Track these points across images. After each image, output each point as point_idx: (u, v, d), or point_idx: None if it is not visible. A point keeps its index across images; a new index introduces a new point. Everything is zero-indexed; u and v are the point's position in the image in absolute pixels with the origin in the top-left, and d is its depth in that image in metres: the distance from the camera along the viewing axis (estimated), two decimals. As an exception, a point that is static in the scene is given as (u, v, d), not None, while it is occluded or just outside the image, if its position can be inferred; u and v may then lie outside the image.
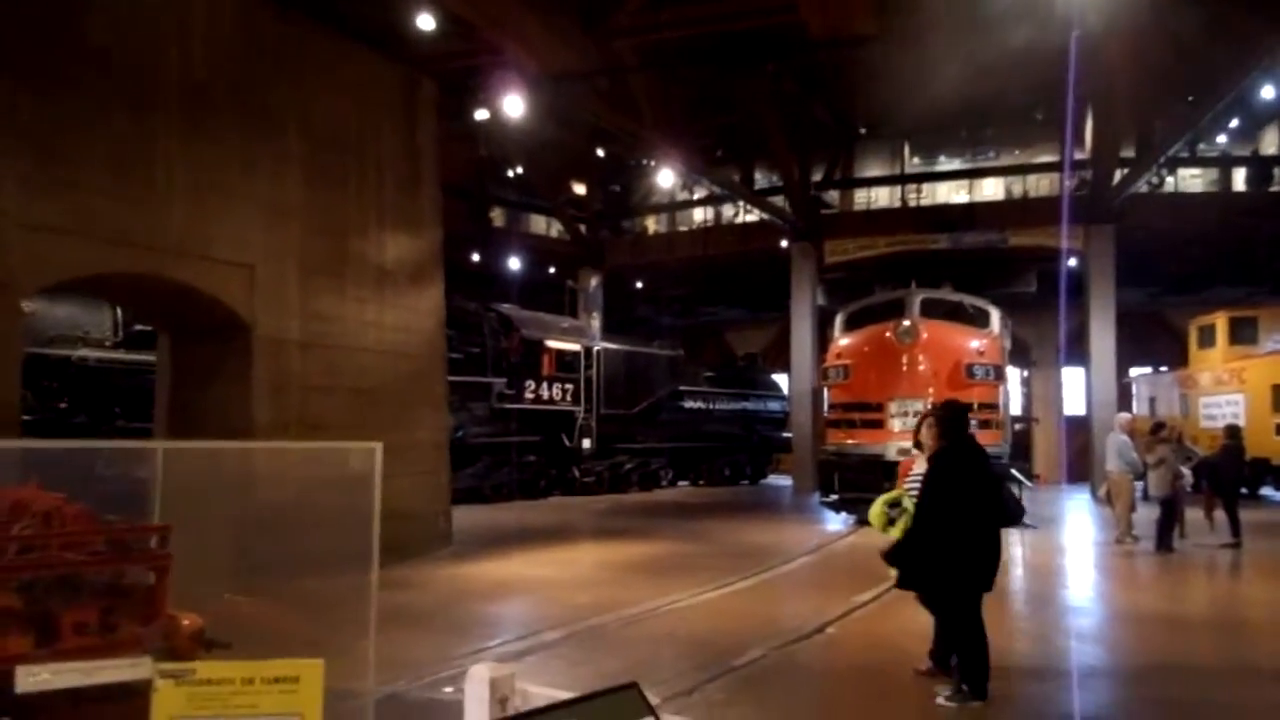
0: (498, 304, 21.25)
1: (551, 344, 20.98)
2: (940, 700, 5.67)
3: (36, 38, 7.99)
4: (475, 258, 26.91)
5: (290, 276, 10.17)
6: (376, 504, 3.64)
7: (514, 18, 9.84)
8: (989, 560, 5.76)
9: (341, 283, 10.89)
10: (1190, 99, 20.05)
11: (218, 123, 9.41)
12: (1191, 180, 27.43)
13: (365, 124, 11.29)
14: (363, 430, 10.93)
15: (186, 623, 4.11)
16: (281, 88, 10.14)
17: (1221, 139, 26.43)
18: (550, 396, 20.88)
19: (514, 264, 27.71)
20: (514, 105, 12.72)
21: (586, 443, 21.66)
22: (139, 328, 13.62)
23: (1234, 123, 24.43)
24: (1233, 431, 14.06)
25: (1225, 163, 27.11)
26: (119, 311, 13.74)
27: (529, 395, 20.34)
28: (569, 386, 21.31)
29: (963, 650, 5.78)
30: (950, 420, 6.03)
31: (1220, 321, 21.90)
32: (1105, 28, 18.04)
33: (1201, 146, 25.66)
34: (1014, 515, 4.96)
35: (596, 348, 22.37)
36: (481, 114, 13.19)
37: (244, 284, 9.66)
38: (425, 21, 9.70)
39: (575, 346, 21.62)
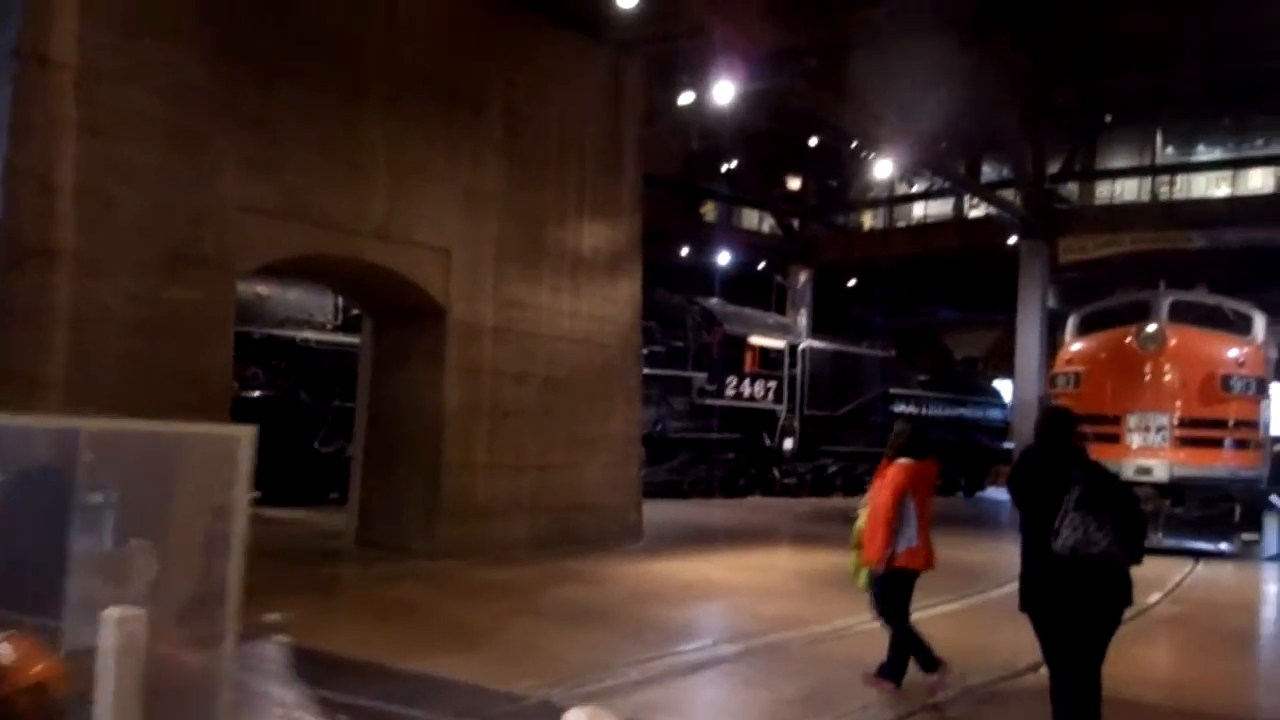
0: (703, 298, 20.89)
1: (755, 340, 20.41)
2: None
3: (255, 24, 8.26)
4: (684, 252, 26.72)
5: (486, 262, 10.14)
6: (243, 503, 3.14)
7: (720, -7, 9.35)
8: (1066, 597, 4.42)
9: (537, 270, 10.78)
10: None
11: (421, 108, 9.48)
12: None
13: (568, 109, 11.14)
14: (552, 418, 10.83)
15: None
16: (485, 72, 10.12)
17: None
18: (752, 394, 20.32)
19: (723, 259, 27.29)
20: (724, 90, 12.24)
21: (788, 443, 20.95)
22: (356, 312, 14.25)
23: None
24: None
25: None
26: (340, 296, 14.39)
27: (730, 392, 19.86)
28: (772, 384, 20.66)
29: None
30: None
31: None
32: None
33: None
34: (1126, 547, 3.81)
35: (802, 345, 21.60)
36: (688, 98, 12.77)
37: (440, 268, 9.69)
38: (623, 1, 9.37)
39: (780, 344, 20.95)
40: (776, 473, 21.00)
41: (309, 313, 14.46)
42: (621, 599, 8.60)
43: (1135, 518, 4.47)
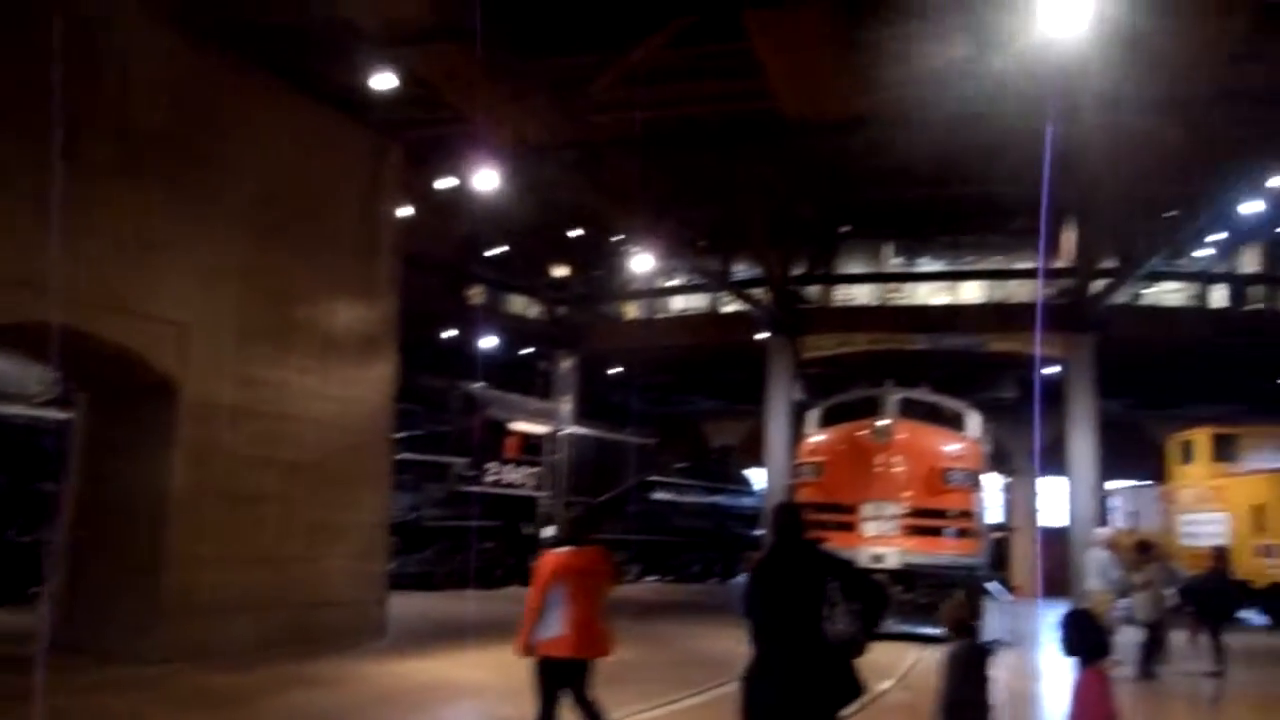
0: (467, 382, 20.61)
1: (517, 425, 20.29)
2: None
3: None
4: (450, 334, 26.37)
5: (226, 339, 9.51)
6: None
7: (483, 85, 9.44)
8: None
9: (284, 348, 10.22)
10: (1172, 213, 19.97)
11: (159, 172, 8.86)
12: (1171, 294, 27.36)
13: (323, 186, 10.79)
14: (294, 505, 10.17)
15: None
16: (234, 143, 9.63)
17: (1202, 254, 26.44)
18: (513, 480, 20.10)
19: (489, 343, 27.15)
20: (487, 179, 12.28)
21: (548, 530, 20.78)
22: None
23: (1214, 238, 24.47)
24: (1219, 554, 13.39)
25: (1204, 279, 27.10)
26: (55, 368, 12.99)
27: (491, 477, 19.56)
28: (533, 471, 20.54)
29: None
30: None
31: (1202, 438, 21.46)
32: (1085, 139, 18.06)
33: (1181, 261, 25.65)
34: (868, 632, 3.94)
35: (565, 432, 21.69)
36: (453, 183, 12.74)
37: (173, 343, 8.97)
38: (387, 81, 9.27)
39: (542, 429, 20.93)
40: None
41: (17, 385, 12.94)
42: (355, 704, 8.05)
43: (881, 602, 4.65)
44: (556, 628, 5.62)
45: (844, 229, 27.17)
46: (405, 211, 17.10)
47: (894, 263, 29.47)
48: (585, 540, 5.93)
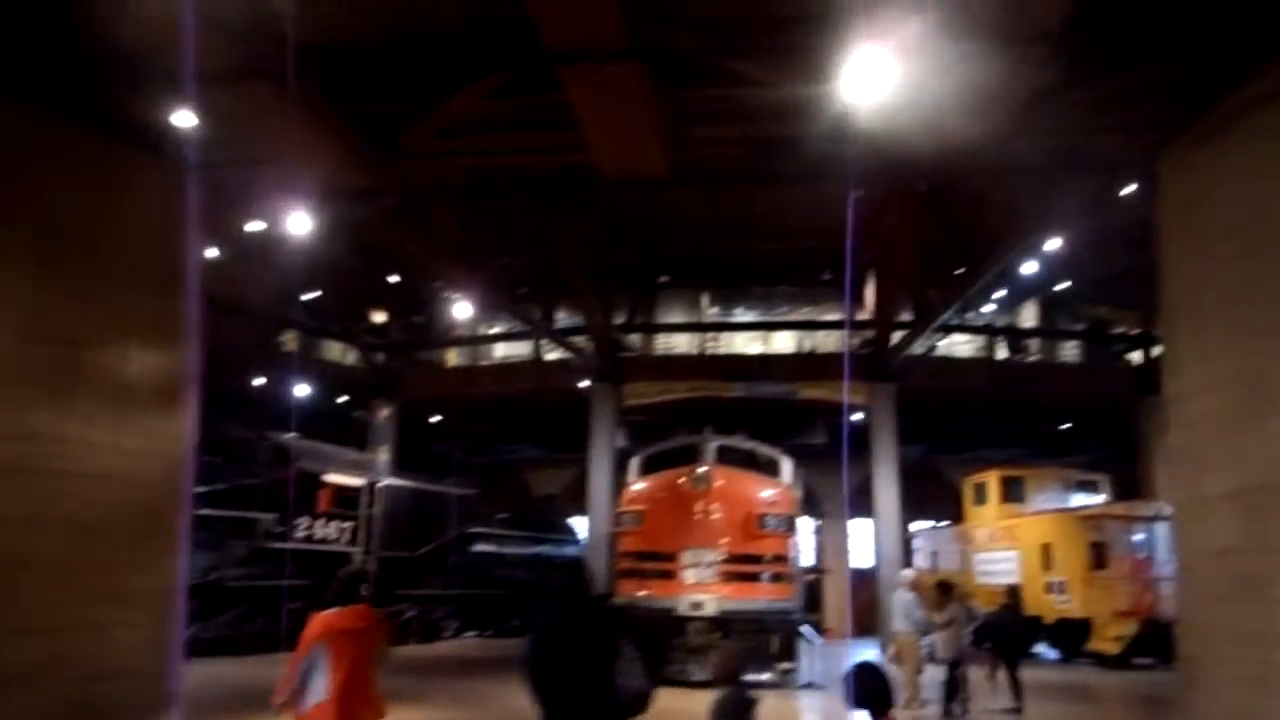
0: (277, 432, 19.63)
1: (331, 478, 19.45)
2: None
3: None
4: (259, 382, 25.15)
5: (-4, 387, 8.66)
6: None
7: (295, 128, 9.15)
8: None
9: (66, 398, 9.40)
10: (960, 270, 21.59)
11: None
12: (961, 346, 29.47)
13: (116, 223, 10.05)
14: (73, 570, 9.30)
15: None
16: (7, 176, 8.87)
17: (989, 309, 28.67)
18: (326, 535, 19.21)
19: (302, 391, 26.03)
20: (300, 222, 11.86)
21: (363, 589, 19.92)
22: None
23: (999, 294, 26.59)
24: (1013, 591, 14.28)
25: (991, 331, 29.40)
26: None
27: (302, 533, 18.62)
28: (347, 525, 19.71)
29: None
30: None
31: (992, 480, 23.01)
32: (883, 201, 19.37)
33: (970, 315, 27.71)
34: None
35: (382, 483, 20.97)
36: (265, 224, 12.23)
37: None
38: (187, 118, 8.84)
39: (357, 481, 20.16)
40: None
41: None
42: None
43: (663, 654, 4.63)
44: (319, 694, 5.33)
45: (663, 279, 27.86)
46: (212, 253, 16.31)
47: (711, 313, 30.41)
48: (354, 599, 5.67)
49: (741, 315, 30.71)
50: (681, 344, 29.55)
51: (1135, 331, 26.44)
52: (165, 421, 10.67)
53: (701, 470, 15.28)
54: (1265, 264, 7.87)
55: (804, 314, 29.54)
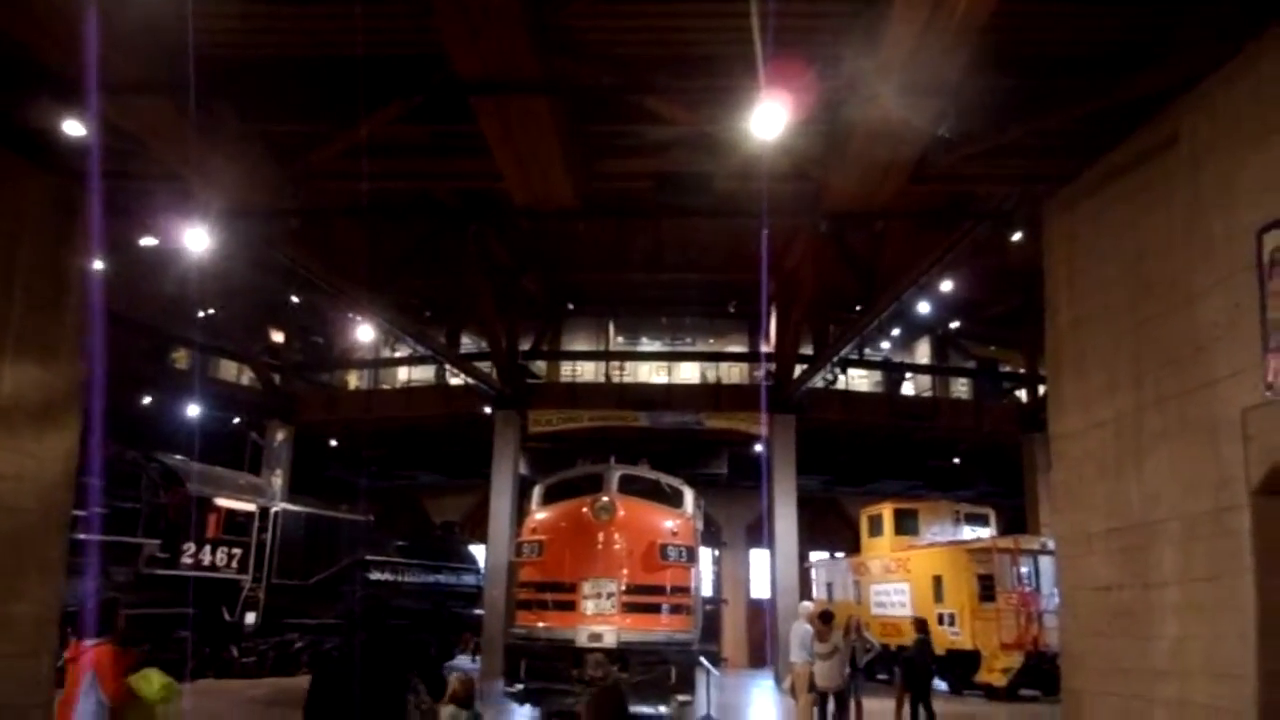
0: (166, 454, 18.88)
1: (220, 502, 18.78)
2: None
3: None
4: (149, 401, 24.21)
5: None
6: None
7: (195, 143, 8.88)
8: None
9: (-64, 417, 8.91)
10: (859, 307, 22.19)
11: None
12: (860, 380, 30.23)
13: (-3, 235, 9.63)
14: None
15: None
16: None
17: (886, 345, 29.51)
18: (214, 562, 18.50)
19: (194, 411, 25.13)
20: (197, 238, 11.49)
21: (251, 617, 19.25)
22: None
23: (896, 331, 27.41)
24: (922, 625, 14.52)
25: (887, 367, 30.24)
26: None
27: (188, 560, 17.90)
28: (237, 551, 19.03)
29: None
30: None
31: (887, 512, 23.50)
32: (787, 237, 19.85)
33: (868, 351, 28.47)
34: None
35: (274, 509, 20.33)
36: (160, 239, 11.80)
37: None
38: (77, 129, 8.50)
39: (248, 506, 19.50)
40: (235, 651, 19.09)
41: None
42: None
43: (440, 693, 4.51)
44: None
45: (570, 306, 27.89)
46: (103, 266, 15.66)
47: (617, 341, 30.54)
48: (110, 628, 5.45)
49: (647, 345, 30.93)
50: (587, 372, 29.57)
51: (1022, 371, 27.53)
52: (44, 441, 10.20)
53: (604, 500, 15.19)
54: (1141, 314, 8.33)
55: (709, 345, 29.92)
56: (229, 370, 29.42)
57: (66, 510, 10.68)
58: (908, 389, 30.55)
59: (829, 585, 26.21)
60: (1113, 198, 8.94)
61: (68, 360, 10.56)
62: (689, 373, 29.53)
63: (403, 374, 31.24)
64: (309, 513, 21.49)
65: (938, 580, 20.49)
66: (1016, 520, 24.55)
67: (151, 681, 5.43)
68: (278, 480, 24.24)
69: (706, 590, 24.95)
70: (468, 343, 28.08)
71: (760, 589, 28.84)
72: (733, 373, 28.97)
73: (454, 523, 31.07)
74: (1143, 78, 7.73)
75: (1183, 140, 7.86)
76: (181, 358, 27.97)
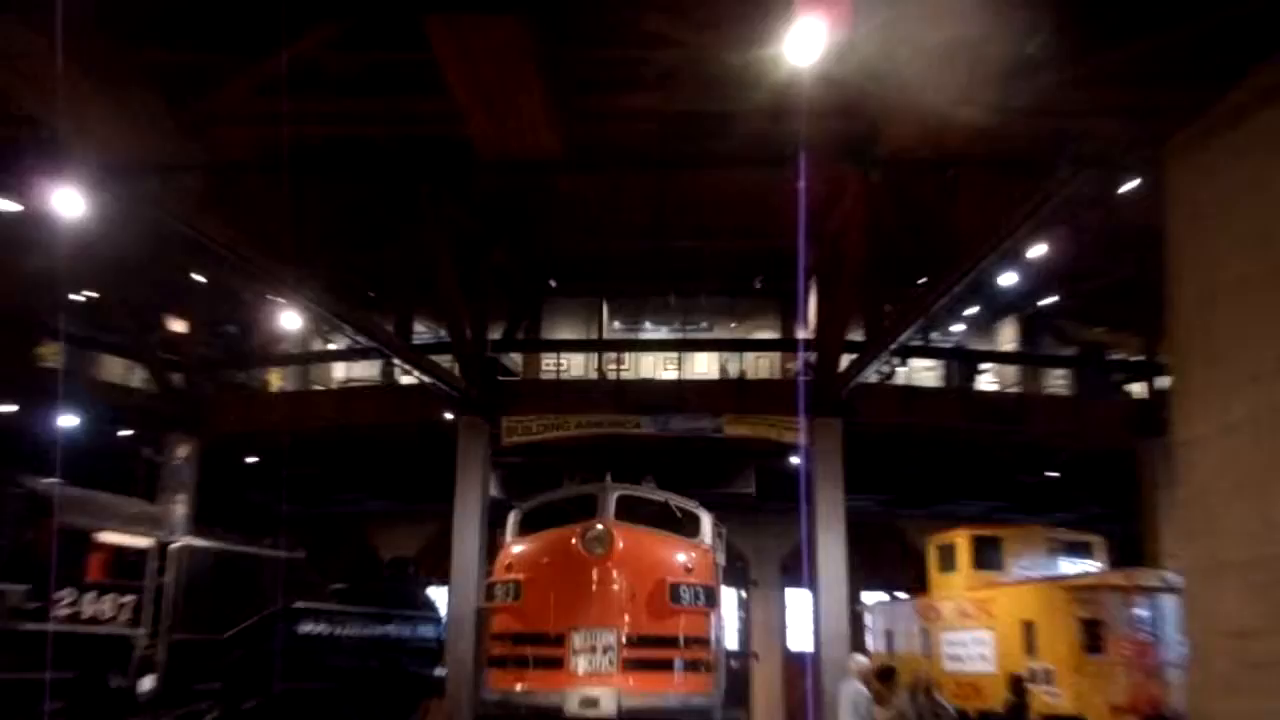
0: (32, 476, 18.91)
1: (106, 537, 18.79)
2: None
3: None
4: (8, 409, 24.29)
5: None
6: None
7: (65, 82, 8.81)
8: None
9: None
10: (923, 280, 22.08)
11: None
12: (926, 373, 30.16)
13: None
14: None
15: None
16: None
17: (960, 328, 29.44)
18: (97, 613, 18.55)
19: (69, 421, 25.19)
20: (70, 201, 11.47)
21: (147, 682, 19.29)
22: None
23: (972, 310, 27.31)
24: (1018, 684, 14.44)
25: (961, 356, 30.08)
26: None
27: (64, 611, 17.92)
28: (128, 599, 19.06)
29: None
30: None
31: (962, 541, 23.36)
32: (831, 193, 19.71)
33: (936, 336, 28.41)
34: None
35: (177, 544, 20.37)
36: (8, 206, 11.79)
37: None
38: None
39: (142, 542, 19.50)
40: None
41: None
42: None
43: None
44: None
45: (552, 284, 27.87)
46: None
47: (613, 327, 30.52)
48: None
49: (651, 331, 30.90)
50: (575, 366, 29.56)
51: (1138, 359, 27.41)
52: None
53: (598, 528, 15.20)
54: (1289, 285, 8.26)
55: (729, 331, 29.88)
56: (114, 369, 29.45)
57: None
58: (987, 384, 30.47)
59: (888, 634, 26.18)
60: (1255, 137, 8.85)
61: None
62: (704, 366, 29.51)
63: (340, 371, 31.26)
64: (221, 549, 21.52)
65: (1029, 627, 20.42)
66: (1130, 550, 24.49)
67: None
68: (180, 508, 24.18)
69: (731, 642, 25.04)
70: (423, 331, 28.06)
71: (800, 639, 28.84)
72: (760, 365, 28.94)
73: (408, 559, 31.13)
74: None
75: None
76: (51, 353, 28.00)
